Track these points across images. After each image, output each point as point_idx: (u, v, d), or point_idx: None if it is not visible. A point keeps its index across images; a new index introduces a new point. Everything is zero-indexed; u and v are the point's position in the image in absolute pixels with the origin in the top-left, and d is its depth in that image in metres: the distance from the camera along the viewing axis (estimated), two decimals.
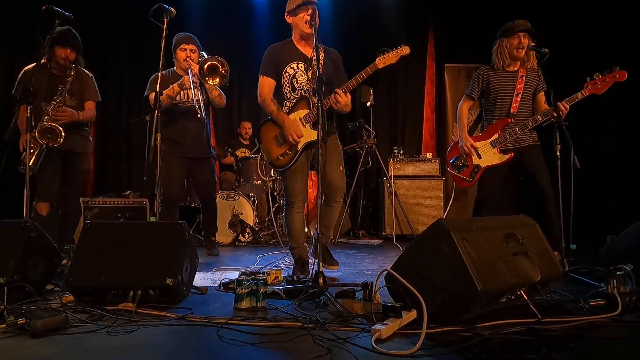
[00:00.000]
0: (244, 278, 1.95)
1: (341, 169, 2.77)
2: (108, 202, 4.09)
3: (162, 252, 1.99)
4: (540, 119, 2.95)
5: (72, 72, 3.25)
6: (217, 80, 3.14)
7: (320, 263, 2.20)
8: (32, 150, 2.99)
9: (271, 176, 4.84)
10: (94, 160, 5.42)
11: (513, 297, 1.81)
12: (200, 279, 2.59)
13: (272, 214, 4.67)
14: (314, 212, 5.00)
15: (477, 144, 3.10)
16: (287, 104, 2.80)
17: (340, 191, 2.75)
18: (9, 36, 5.04)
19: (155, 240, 2.05)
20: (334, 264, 2.75)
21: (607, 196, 4.44)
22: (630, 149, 4.42)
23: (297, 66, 2.77)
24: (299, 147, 2.72)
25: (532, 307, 1.72)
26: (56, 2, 2.87)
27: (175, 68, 3.57)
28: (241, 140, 5.56)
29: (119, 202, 4.16)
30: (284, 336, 1.55)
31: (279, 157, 2.74)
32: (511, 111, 3.03)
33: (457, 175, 3.19)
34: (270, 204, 4.81)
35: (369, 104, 5.57)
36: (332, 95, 2.64)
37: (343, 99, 2.63)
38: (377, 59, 2.68)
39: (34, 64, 2.98)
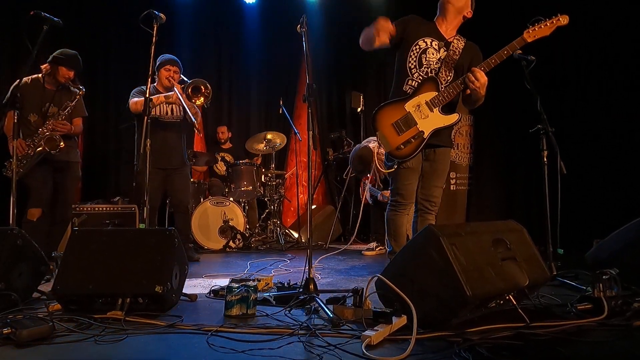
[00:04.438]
0: (234, 285, 1.94)
1: (441, 186, 2.61)
2: (96, 209, 4.04)
3: (152, 259, 1.97)
4: None
5: (77, 96, 3.41)
6: (202, 99, 3.47)
7: (312, 269, 2.20)
8: (23, 156, 3.14)
9: (262, 181, 4.83)
10: (82, 166, 5.35)
11: (502, 301, 1.83)
12: (190, 286, 2.57)
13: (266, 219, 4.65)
14: (305, 218, 5.00)
15: None
16: (410, 82, 2.56)
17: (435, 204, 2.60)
18: None
19: (145, 247, 2.03)
20: None
21: (593, 201, 4.51)
22: (616, 155, 4.49)
23: (431, 43, 2.54)
24: (426, 134, 2.47)
25: (520, 311, 1.74)
26: (43, 7, 2.85)
27: (156, 84, 3.75)
28: (221, 146, 5.56)
29: (108, 209, 4.11)
30: (274, 343, 1.54)
31: (400, 146, 2.47)
32: None
33: None
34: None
35: (359, 109, 5.60)
36: (469, 74, 2.37)
37: (482, 78, 2.35)
38: (526, 32, 2.33)
39: (30, 78, 3.26)
